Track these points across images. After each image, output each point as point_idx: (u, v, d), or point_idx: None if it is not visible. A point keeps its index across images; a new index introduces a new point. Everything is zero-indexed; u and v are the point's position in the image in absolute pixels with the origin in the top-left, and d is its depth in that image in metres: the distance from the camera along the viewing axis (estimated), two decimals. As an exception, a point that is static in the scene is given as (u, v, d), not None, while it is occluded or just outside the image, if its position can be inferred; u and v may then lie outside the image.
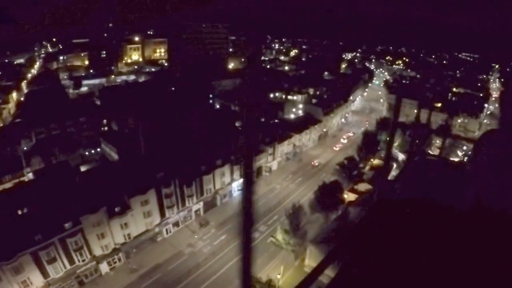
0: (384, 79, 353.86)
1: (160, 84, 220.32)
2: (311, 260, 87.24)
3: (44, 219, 75.40)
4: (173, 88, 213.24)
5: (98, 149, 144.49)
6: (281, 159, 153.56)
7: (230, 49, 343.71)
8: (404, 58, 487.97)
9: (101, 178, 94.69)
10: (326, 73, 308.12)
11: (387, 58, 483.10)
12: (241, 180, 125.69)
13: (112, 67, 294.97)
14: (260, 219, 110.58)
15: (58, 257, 77.16)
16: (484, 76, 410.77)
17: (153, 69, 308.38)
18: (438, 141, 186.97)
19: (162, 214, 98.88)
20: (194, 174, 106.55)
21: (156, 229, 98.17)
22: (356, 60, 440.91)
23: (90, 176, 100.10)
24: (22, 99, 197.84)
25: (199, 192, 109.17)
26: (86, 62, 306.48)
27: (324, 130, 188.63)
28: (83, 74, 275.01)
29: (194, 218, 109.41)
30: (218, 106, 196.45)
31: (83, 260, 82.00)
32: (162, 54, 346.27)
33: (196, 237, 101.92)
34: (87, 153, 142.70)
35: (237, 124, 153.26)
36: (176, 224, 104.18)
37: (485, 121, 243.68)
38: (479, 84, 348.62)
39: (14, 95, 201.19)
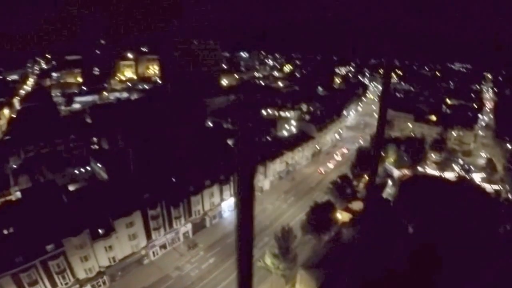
0: (378, 93, 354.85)
1: (152, 102, 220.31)
2: (302, 285, 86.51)
3: (27, 240, 75.01)
4: (165, 106, 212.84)
5: (88, 168, 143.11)
6: (273, 178, 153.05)
7: (223, 66, 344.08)
8: (397, 71, 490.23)
9: (89, 198, 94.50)
10: (319, 88, 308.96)
11: (380, 72, 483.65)
12: (231, 200, 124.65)
13: (105, 84, 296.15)
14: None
15: (40, 280, 76.39)
16: (478, 86, 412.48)
17: (146, 86, 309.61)
18: (433, 156, 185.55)
19: (149, 236, 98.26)
20: (182, 195, 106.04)
21: (143, 252, 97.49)
22: (349, 75, 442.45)
23: (78, 196, 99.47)
24: (14, 116, 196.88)
25: (187, 213, 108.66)
26: (79, 79, 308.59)
27: (318, 147, 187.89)
28: (75, 91, 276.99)
29: (182, 240, 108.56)
30: (210, 124, 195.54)
31: (66, 284, 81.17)
32: (155, 71, 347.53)
33: (184, 260, 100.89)
34: (76, 171, 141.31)
35: (229, 142, 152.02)
36: (163, 246, 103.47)
37: (480, 132, 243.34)
38: (472, 95, 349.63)
39: (6, 111, 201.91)
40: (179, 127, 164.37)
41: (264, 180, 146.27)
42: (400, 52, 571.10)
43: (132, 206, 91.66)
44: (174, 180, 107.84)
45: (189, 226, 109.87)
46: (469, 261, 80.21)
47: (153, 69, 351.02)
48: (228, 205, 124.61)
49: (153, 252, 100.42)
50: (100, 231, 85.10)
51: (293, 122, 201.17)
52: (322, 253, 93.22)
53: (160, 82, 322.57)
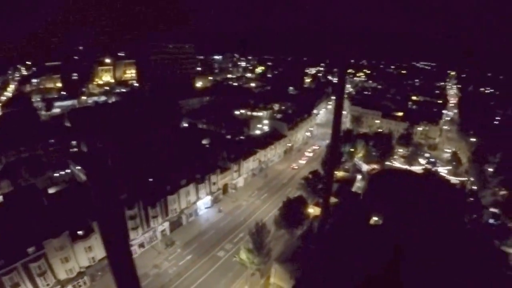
0: (347, 91, 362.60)
1: (129, 105, 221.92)
2: (276, 279, 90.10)
3: (9, 244, 76.75)
4: (141, 108, 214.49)
5: (67, 171, 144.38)
6: (247, 175, 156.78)
7: (198, 68, 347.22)
8: (365, 70, 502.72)
9: (68, 200, 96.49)
10: (290, 88, 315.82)
11: (349, 71, 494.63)
12: (207, 199, 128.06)
13: (84, 89, 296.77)
14: (226, 237, 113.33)
15: (22, 282, 77.94)
16: (442, 83, 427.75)
17: (123, 90, 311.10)
18: (400, 150, 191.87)
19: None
20: (159, 195, 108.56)
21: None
22: (319, 75, 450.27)
23: (57, 199, 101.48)
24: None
25: (164, 212, 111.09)
26: (59, 84, 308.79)
27: (290, 144, 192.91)
28: (55, 96, 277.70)
29: (160, 239, 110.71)
30: (185, 125, 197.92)
31: (48, 285, 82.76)
32: (132, 75, 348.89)
33: (162, 258, 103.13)
34: (56, 175, 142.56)
35: (203, 142, 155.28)
36: (141, 245, 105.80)
37: (445, 127, 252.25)
38: (437, 92, 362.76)
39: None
40: (155, 128, 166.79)
41: (238, 178, 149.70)
42: (366, 52, 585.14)
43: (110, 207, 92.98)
44: (151, 180, 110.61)
45: (166, 225, 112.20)
46: (436, 250, 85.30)
47: (130, 73, 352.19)
48: (203, 203, 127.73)
49: (132, 251, 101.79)
50: (79, 232, 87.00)
51: (266, 121, 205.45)
52: (295, 247, 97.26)
53: (137, 85, 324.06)
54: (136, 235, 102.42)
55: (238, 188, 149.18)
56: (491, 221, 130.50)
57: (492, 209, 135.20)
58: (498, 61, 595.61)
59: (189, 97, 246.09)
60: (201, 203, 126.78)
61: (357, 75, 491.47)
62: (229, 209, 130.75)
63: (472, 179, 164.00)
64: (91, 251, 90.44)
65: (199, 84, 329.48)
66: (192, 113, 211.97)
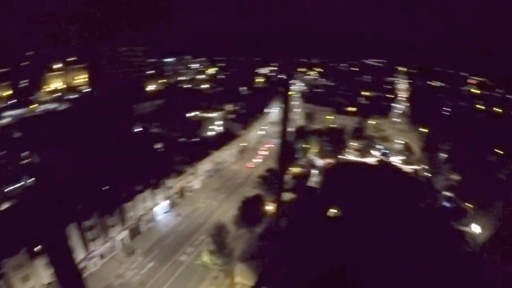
0: (299, 89, 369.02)
1: (81, 111, 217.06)
2: (241, 278, 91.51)
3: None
4: (93, 114, 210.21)
5: (19, 184, 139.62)
6: (203, 177, 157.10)
7: (149, 71, 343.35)
8: (316, 68, 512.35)
9: (23, 216, 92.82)
10: (242, 88, 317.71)
11: (301, 70, 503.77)
12: (164, 203, 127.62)
13: (34, 96, 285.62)
14: (186, 240, 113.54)
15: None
16: (391, 79, 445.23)
17: (74, 96, 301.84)
18: (354, 144, 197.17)
19: (86, 248, 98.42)
20: (115, 203, 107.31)
21: (82, 264, 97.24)
22: (272, 74, 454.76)
23: (11, 215, 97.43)
24: None
25: (122, 220, 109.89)
26: (8, 92, 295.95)
27: (244, 144, 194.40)
28: (4, 105, 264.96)
29: (120, 248, 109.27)
30: (138, 129, 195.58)
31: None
32: (84, 80, 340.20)
33: (124, 267, 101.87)
34: (7, 189, 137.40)
35: (157, 146, 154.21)
36: (102, 256, 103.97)
37: (396, 120, 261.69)
38: (387, 86, 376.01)
39: None
40: (108, 134, 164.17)
41: (195, 180, 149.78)
42: (317, 50, 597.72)
43: (66, 220, 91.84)
44: (106, 188, 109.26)
45: (125, 233, 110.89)
46: (395, 235, 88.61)
47: (82, 78, 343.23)
48: (161, 208, 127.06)
49: (93, 263, 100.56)
50: (36, 248, 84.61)
51: (219, 122, 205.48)
52: (256, 245, 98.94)
53: (88, 90, 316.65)
54: (96, 246, 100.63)
55: (195, 191, 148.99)
56: (446, 204, 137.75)
57: (446, 193, 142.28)
58: (447, 56, 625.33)
59: (141, 101, 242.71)
60: (158, 208, 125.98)
61: (309, 73, 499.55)
62: (188, 212, 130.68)
63: (425, 166, 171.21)
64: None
65: (151, 87, 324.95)
66: (145, 117, 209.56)
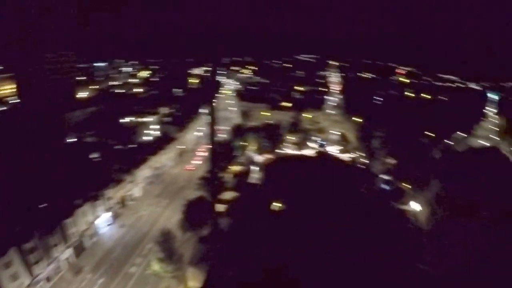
0: (234, 88, 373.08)
1: (9, 124, 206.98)
2: (194, 282, 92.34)
3: None
4: (23, 126, 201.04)
5: None
6: (143, 184, 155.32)
7: (80, 78, 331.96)
8: (250, 66, 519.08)
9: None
10: (176, 90, 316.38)
11: (234, 68, 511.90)
12: (105, 215, 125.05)
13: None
14: (134, 251, 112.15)
15: None
16: (323, 73, 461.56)
17: (2, 108, 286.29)
18: (291, 137, 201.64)
19: (31, 272, 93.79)
20: (55, 220, 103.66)
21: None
22: (206, 74, 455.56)
23: None
24: None
25: (65, 238, 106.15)
26: None
27: (182, 146, 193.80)
28: None
29: (66, 268, 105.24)
30: (71, 140, 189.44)
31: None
32: (11, 90, 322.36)
33: (74, 287, 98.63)
34: None
35: (93, 156, 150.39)
36: (48, 279, 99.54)
37: (331, 111, 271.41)
38: (319, 81, 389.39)
39: None
40: (40, 147, 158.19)
41: (135, 188, 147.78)
42: (250, 49, 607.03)
43: (4, 245, 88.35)
44: (43, 205, 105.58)
45: (69, 251, 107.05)
46: (336, 223, 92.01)
47: (8, 89, 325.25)
48: (103, 220, 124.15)
49: None
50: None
51: (155, 126, 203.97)
52: (204, 248, 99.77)
53: (16, 101, 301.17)
54: (40, 269, 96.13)
55: (136, 199, 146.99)
56: (384, 186, 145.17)
57: (383, 176, 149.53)
58: (376, 49, 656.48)
59: (73, 109, 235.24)
60: (101, 221, 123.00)
61: (243, 71, 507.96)
62: (131, 222, 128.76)
63: (361, 154, 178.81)
64: None
65: (82, 94, 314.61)
66: (78, 127, 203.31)
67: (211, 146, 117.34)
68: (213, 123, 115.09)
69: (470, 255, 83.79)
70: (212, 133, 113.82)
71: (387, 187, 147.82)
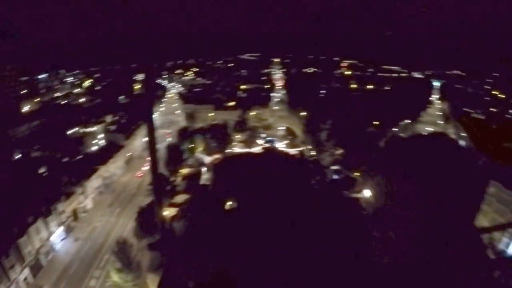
0: (178, 91, 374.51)
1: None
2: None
3: None
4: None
5: None
6: (94, 195, 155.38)
7: (23, 91, 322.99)
8: (193, 68, 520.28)
9: None
10: (121, 97, 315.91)
11: (178, 72, 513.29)
12: (59, 230, 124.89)
13: None
14: (92, 264, 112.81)
15: None
16: (267, 70, 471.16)
17: None
18: (238, 136, 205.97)
19: None
20: (8, 241, 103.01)
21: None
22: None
23: None
24: None
25: (21, 258, 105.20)
26: None
27: (130, 153, 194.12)
28: None
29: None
30: (17, 156, 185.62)
31: None
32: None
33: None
34: None
35: (41, 170, 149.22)
36: None
37: (276, 107, 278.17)
38: (264, 78, 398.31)
39: None
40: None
41: (86, 199, 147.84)
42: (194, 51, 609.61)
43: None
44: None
45: (26, 271, 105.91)
46: (290, 216, 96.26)
47: None
48: (57, 236, 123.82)
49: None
50: None
51: (101, 135, 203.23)
52: (159, 253, 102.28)
53: None
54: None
55: (88, 211, 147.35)
56: (335, 176, 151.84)
57: (333, 167, 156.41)
58: (316, 44, 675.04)
59: (17, 125, 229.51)
60: (55, 236, 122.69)
61: (186, 74, 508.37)
62: (86, 235, 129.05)
63: (309, 147, 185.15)
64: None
65: (26, 108, 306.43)
66: (23, 142, 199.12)
67: (151, 157, 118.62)
68: (151, 130, 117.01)
69: (417, 241, 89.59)
70: (152, 141, 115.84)
71: (337, 177, 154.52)
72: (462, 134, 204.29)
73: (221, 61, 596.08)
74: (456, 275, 78.67)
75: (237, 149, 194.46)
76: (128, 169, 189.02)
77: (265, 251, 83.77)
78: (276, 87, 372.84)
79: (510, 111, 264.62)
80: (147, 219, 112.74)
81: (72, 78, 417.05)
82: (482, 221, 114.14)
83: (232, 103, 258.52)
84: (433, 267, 79.95)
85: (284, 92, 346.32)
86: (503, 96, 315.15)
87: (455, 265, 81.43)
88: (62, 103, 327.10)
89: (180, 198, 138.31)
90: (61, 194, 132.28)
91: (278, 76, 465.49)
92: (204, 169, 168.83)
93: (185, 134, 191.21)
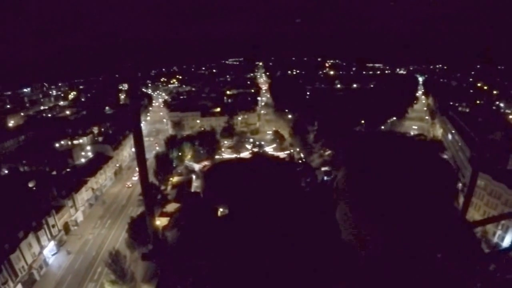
0: (163, 99, 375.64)
1: None
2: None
3: None
4: None
5: None
6: (84, 207, 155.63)
7: (7, 106, 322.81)
8: (177, 76, 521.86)
9: None
10: (107, 108, 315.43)
11: (162, 80, 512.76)
12: (51, 244, 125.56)
13: None
14: (85, 277, 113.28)
15: None
16: (252, 74, 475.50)
17: None
18: (226, 142, 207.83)
19: None
20: (1, 258, 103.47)
21: None
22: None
23: None
24: None
25: (13, 274, 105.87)
26: None
27: (118, 164, 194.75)
28: None
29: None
30: (5, 172, 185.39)
31: None
32: None
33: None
34: None
35: (30, 185, 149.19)
36: None
37: (262, 111, 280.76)
38: (249, 82, 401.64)
39: None
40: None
41: (77, 212, 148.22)
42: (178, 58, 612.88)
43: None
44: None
45: (20, 287, 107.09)
46: (283, 221, 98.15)
47: None
48: (49, 250, 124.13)
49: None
50: None
51: (88, 147, 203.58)
52: (152, 263, 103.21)
53: None
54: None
55: (79, 223, 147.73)
56: (326, 178, 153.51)
57: (323, 168, 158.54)
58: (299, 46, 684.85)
59: (2, 140, 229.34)
60: (47, 251, 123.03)
61: (172, 81, 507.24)
62: (78, 248, 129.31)
63: (298, 149, 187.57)
64: None
65: (11, 123, 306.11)
66: (11, 157, 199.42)
67: (140, 167, 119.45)
68: (139, 140, 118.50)
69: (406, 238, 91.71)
70: (141, 151, 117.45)
71: (328, 178, 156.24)
72: (449, 128, 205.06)
73: (205, 67, 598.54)
74: (450, 269, 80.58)
75: (226, 154, 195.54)
76: (118, 180, 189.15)
77: (259, 256, 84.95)
78: (262, 91, 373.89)
79: (496, 102, 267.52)
80: (139, 230, 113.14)
81: (56, 91, 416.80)
82: (474, 214, 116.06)
83: (218, 109, 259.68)
84: (427, 261, 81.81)
85: (268, 95, 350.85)
86: (486, 88, 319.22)
87: (449, 259, 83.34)
88: (48, 116, 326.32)
89: (171, 206, 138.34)
90: (51, 207, 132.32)
91: (262, 79, 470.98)
92: (194, 177, 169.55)
93: (173, 142, 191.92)
